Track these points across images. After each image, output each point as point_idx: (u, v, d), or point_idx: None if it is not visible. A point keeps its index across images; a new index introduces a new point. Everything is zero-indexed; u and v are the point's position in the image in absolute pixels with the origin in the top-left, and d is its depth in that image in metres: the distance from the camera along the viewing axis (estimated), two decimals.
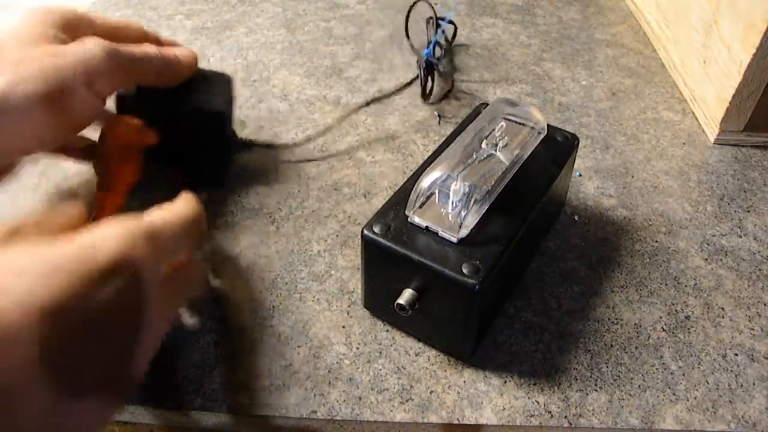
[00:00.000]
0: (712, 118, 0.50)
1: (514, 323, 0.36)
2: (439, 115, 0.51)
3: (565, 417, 0.32)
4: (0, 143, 0.32)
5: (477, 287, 0.30)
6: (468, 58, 0.58)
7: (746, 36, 0.44)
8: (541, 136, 0.38)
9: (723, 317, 0.37)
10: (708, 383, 0.34)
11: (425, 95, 0.53)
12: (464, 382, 0.34)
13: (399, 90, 0.54)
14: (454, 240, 0.31)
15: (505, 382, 0.34)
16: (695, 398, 0.33)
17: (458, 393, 0.33)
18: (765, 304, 0.38)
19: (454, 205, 0.32)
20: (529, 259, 0.39)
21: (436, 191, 0.33)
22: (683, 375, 0.34)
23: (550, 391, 0.33)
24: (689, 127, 0.51)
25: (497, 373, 0.34)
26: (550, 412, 0.32)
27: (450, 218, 0.32)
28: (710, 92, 0.50)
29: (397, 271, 0.32)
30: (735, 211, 0.44)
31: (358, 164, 0.47)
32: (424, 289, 0.32)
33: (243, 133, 0.49)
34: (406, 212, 0.33)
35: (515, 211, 0.34)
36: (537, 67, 0.57)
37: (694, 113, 0.53)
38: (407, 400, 0.33)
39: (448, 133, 0.49)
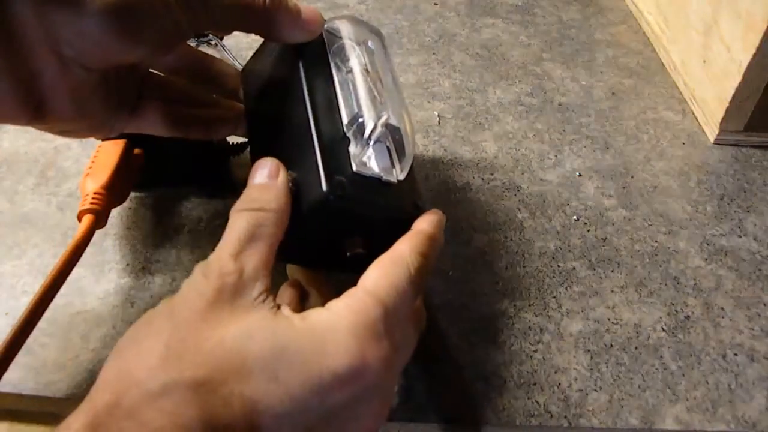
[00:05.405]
0: (712, 118, 0.50)
1: (514, 323, 0.36)
2: (438, 115, 0.51)
3: (565, 417, 0.32)
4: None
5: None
6: (468, 58, 0.58)
7: (746, 36, 0.44)
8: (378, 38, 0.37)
9: (723, 317, 0.37)
10: (708, 383, 0.34)
11: None
12: (464, 382, 0.34)
13: None
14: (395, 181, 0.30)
15: (505, 382, 0.34)
16: (695, 398, 0.33)
17: (458, 393, 0.33)
18: (765, 304, 0.38)
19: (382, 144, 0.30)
20: None
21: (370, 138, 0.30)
22: (683, 375, 0.34)
23: (550, 391, 0.33)
24: (689, 127, 0.51)
25: (497, 373, 0.34)
26: (550, 412, 0.32)
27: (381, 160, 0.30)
28: (710, 92, 0.50)
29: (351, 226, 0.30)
30: (735, 211, 0.44)
31: None
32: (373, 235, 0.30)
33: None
34: (353, 167, 0.29)
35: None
36: (537, 67, 0.57)
37: (694, 113, 0.53)
38: (407, 401, 0.33)
39: (449, 133, 0.49)
